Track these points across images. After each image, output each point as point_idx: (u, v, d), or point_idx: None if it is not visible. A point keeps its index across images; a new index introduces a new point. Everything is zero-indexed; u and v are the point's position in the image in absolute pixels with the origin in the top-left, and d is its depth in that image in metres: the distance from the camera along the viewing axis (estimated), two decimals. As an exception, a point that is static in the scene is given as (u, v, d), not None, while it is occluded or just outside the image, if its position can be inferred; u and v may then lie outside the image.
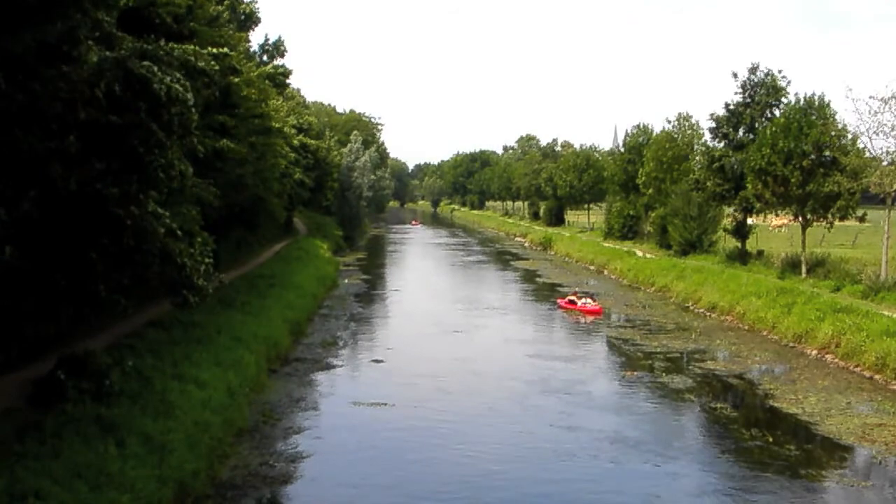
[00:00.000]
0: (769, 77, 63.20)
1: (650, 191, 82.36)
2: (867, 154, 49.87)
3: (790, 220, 64.61)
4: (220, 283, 30.60)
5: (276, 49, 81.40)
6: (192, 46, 26.00)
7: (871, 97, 47.94)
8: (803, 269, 54.08)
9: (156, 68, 21.26)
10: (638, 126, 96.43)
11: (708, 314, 52.78)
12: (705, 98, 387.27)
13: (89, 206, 21.54)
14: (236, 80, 41.04)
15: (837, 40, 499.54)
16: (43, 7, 15.81)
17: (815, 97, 54.37)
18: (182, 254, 24.40)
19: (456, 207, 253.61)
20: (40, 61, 18.84)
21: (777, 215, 70.80)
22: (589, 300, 55.27)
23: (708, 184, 64.86)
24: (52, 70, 19.00)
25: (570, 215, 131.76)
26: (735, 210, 65.20)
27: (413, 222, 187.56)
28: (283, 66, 79.34)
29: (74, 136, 19.91)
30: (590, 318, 52.19)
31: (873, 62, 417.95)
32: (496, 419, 29.99)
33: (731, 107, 64.47)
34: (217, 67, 27.39)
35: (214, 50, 29.13)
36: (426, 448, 26.81)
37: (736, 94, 64.37)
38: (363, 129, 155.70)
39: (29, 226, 20.32)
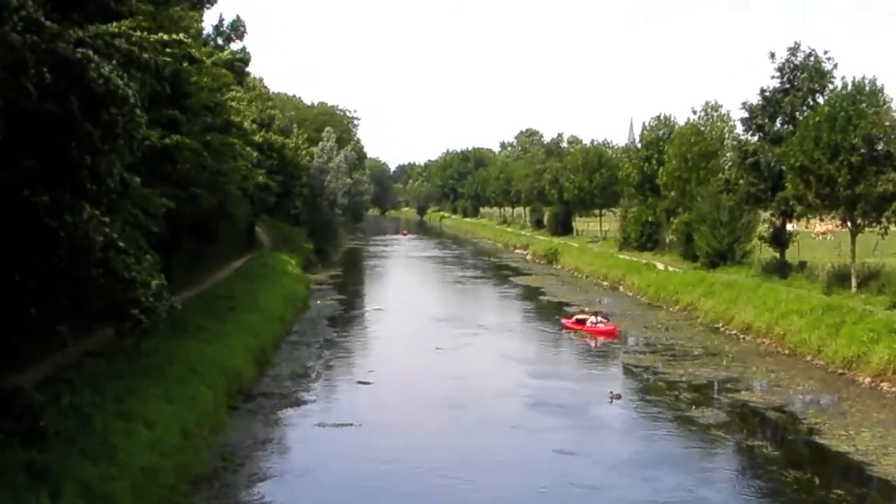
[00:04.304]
0: (812, 59, 63.05)
1: (672, 193, 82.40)
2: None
3: (837, 226, 64.66)
4: (173, 308, 30.48)
5: (234, 31, 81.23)
6: (138, 34, 25.88)
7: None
8: (853, 282, 54.01)
9: (91, 52, 21.19)
10: (658, 118, 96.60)
11: (741, 336, 52.82)
12: (737, 84, 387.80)
13: (17, 217, 21.46)
14: (186, 65, 40.91)
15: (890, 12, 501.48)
16: None
17: (866, 82, 54.38)
18: (129, 268, 24.30)
19: (446, 215, 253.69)
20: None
21: (822, 220, 70.88)
22: (600, 320, 55.30)
23: (740, 184, 64.80)
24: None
25: (579, 223, 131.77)
26: (772, 214, 65.12)
27: (403, 232, 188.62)
28: (242, 51, 79.30)
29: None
30: (601, 340, 52.36)
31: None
32: (491, 463, 30.01)
33: (768, 94, 64.35)
34: (168, 60, 27.29)
35: (165, 37, 28.97)
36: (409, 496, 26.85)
37: (773, 78, 64.21)
38: (336, 124, 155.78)
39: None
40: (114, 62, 22.39)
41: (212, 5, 69.87)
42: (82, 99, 20.99)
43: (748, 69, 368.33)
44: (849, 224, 54.89)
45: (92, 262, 23.09)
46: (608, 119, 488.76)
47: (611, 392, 39.21)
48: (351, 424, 33.86)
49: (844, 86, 55.82)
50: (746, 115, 65.71)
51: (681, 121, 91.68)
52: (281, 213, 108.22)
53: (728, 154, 76.73)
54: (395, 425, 34.46)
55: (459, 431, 33.67)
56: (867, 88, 54.02)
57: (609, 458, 30.42)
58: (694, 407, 36.74)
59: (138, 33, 25.73)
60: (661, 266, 79.03)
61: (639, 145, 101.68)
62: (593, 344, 52.11)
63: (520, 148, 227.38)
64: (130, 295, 24.54)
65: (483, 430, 33.88)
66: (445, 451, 31.28)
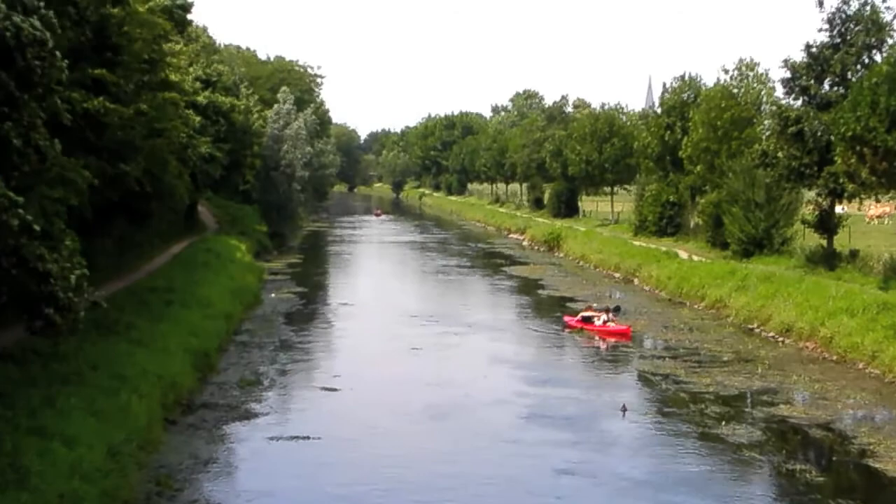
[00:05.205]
0: (868, 8, 63.00)
1: (699, 168, 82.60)
2: None
3: None
4: (95, 304, 30.29)
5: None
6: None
7: None
8: (914, 275, 54.23)
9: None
10: (682, 78, 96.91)
11: (780, 340, 52.86)
12: (778, 39, 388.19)
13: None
14: (115, 10, 40.69)
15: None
16: None
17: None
18: (44, 258, 24.08)
19: (426, 192, 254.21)
20: None
21: (877, 201, 70.91)
22: (611, 318, 55.33)
23: (780, 157, 64.81)
24: None
25: (587, 202, 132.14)
26: (818, 194, 65.18)
27: (376, 212, 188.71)
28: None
29: None
30: (611, 342, 52.70)
31: None
32: (477, 483, 29.93)
33: (814, 50, 64.25)
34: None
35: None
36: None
37: (820, 31, 64.22)
38: (296, 82, 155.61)
39: None
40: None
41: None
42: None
43: (791, 19, 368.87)
44: (909, 206, 54.94)
45: (3, 250, 22.88)
46: (622, 79, 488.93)
47: (623, 405, 39.22)
48: (310, 438, 33.86)
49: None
50: (788, 75, 65.56)
51: (709, 81, 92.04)
52: (228, 188, 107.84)
53: (766, 121, 76.80)
54: (363, 440, 34.32)
55: (440, 447, 33.73)
56: (934, 44, 53.91)
57: (618, 479, 30.41)
58: (722, 422, 36.69)
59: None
60: (684, 255, 79.25)
61: (659, 110, 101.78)
62: (602, 346, 52.32)
63: (516, 113, 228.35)
64: (45, 289, 24.33)
65: (469, 445, 33.91)
66: (423, 471, 31.34)
